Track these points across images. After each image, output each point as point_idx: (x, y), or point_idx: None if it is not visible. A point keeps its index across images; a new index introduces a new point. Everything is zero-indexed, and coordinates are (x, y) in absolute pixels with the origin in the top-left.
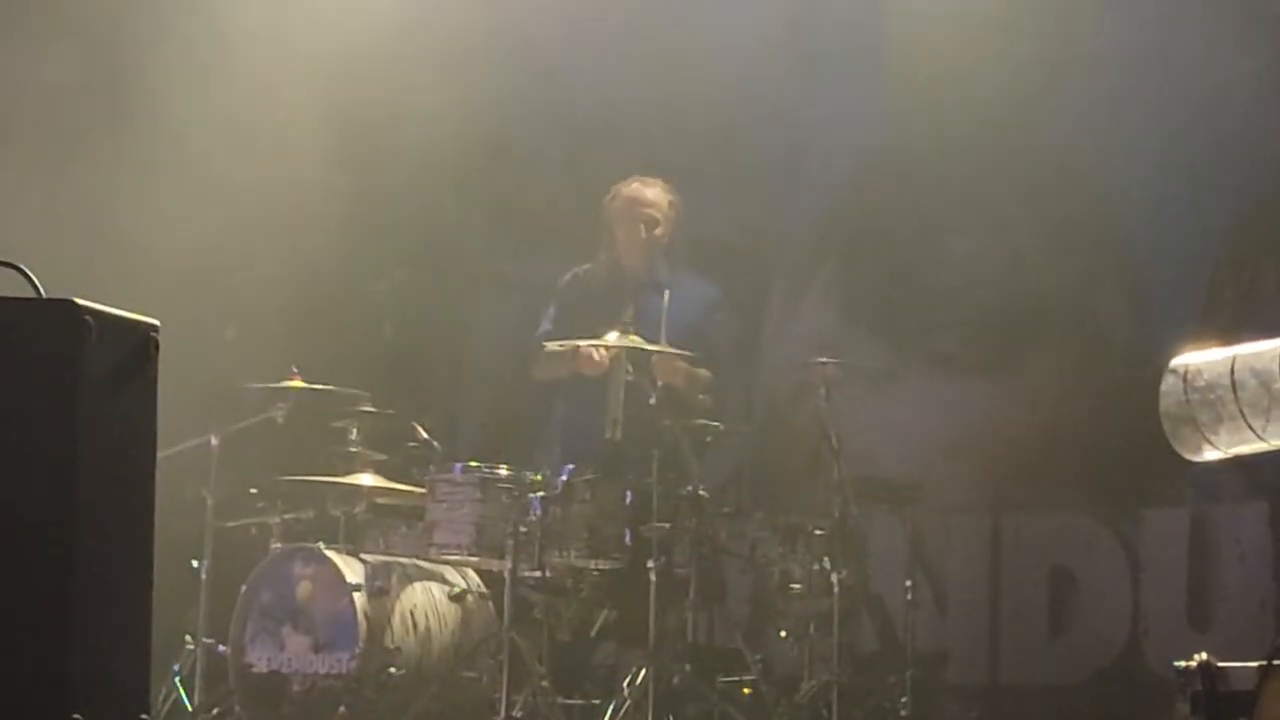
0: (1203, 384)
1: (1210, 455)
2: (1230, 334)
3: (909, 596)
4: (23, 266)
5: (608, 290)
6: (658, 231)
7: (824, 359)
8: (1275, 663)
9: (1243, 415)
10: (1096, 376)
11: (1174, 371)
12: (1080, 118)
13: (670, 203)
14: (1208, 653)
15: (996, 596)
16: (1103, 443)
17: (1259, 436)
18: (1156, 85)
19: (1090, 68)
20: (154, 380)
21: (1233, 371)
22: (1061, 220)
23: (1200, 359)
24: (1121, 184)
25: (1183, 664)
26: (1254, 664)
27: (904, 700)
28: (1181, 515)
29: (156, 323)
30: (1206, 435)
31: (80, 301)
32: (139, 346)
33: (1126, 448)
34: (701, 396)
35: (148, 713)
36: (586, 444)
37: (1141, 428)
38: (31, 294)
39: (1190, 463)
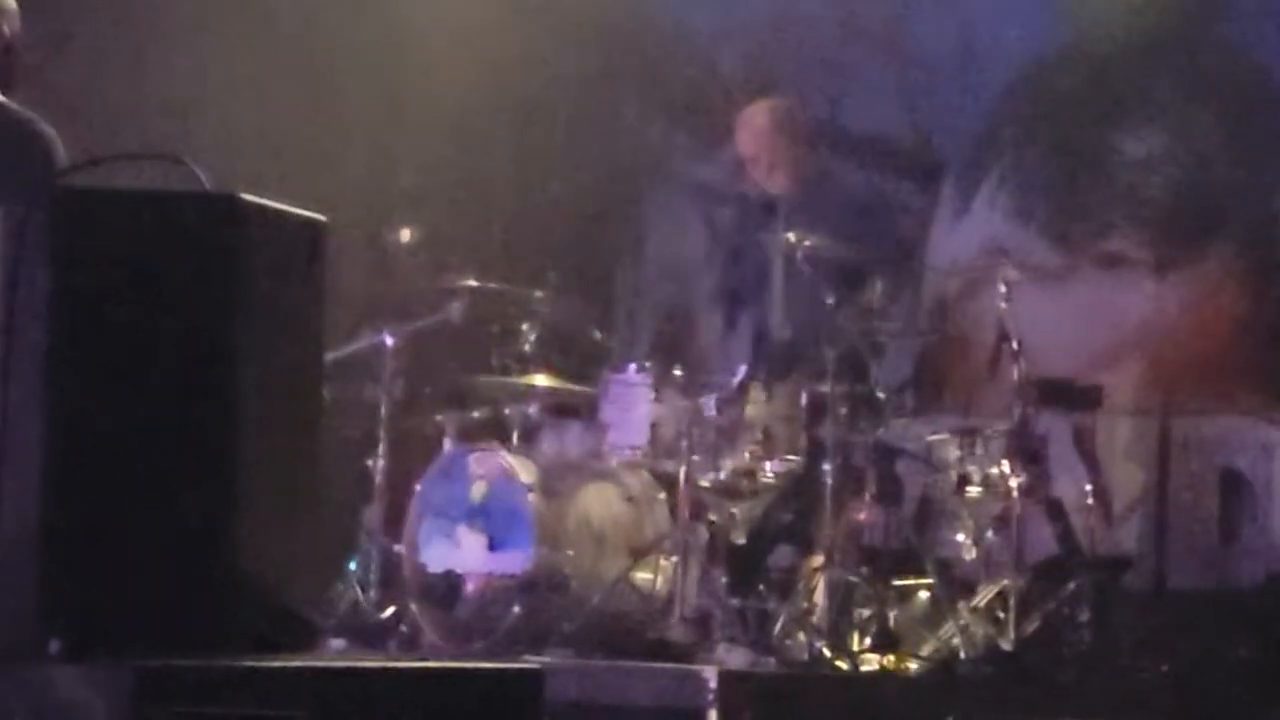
0: None
1: None
2: None
3: (1089, 501)
4: (189, 160)
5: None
6: (774, 158)
7: (1002, 258)
8: None
9: None
10: (1272, 277)
11: None
12: (1261, 12)
13: (769, 124)
14: None
15: (1167, 500)
16: (1277, 344)
17: None
18: None
19: None
20: (321, 278)
21: None
22: (1238, 118)
23: None
24: None
25: None
26: None
27: (1083, 605)
28: None
29: (324, 219)
30: None
31: (245, 196)
32: (306, 243)
33: None
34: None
35: (322, 614)
36: (761, 343)
37: None
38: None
39: None
